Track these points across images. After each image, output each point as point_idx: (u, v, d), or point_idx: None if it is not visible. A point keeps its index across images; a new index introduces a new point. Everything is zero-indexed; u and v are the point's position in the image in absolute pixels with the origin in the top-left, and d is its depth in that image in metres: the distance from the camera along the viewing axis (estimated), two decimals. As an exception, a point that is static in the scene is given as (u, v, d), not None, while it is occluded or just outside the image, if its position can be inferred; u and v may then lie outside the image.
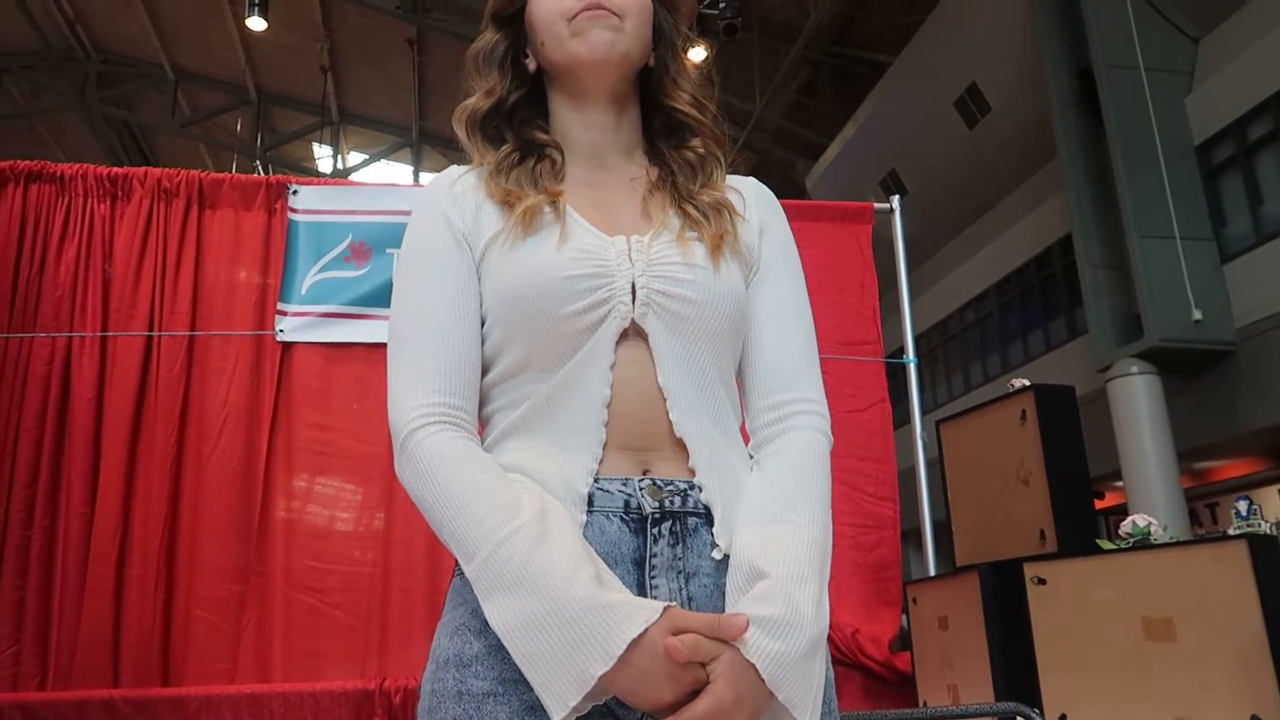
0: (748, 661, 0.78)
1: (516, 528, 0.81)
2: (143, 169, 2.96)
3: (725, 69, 11.41)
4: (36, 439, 2.66)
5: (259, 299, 2.91)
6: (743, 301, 0.98)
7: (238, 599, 2.67)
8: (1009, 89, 11.13)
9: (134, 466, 2.70)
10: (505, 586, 0.80)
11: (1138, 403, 8.78)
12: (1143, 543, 2.37)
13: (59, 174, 2.87)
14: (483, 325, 0.95)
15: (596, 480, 0.89)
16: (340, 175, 14.91)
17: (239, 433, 2.78)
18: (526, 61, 1.05)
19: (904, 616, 2.96)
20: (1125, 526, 2.42)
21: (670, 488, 0.90)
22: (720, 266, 0.95)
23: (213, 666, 2.61)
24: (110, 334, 2.78)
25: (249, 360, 2.85)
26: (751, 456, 0.96)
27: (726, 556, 0.89)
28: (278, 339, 2.86)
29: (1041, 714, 2.35)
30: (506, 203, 0.96)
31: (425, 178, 13.68)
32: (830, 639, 0.86)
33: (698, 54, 9.20)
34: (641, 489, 0.89)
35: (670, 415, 0.91)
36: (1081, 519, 2.62)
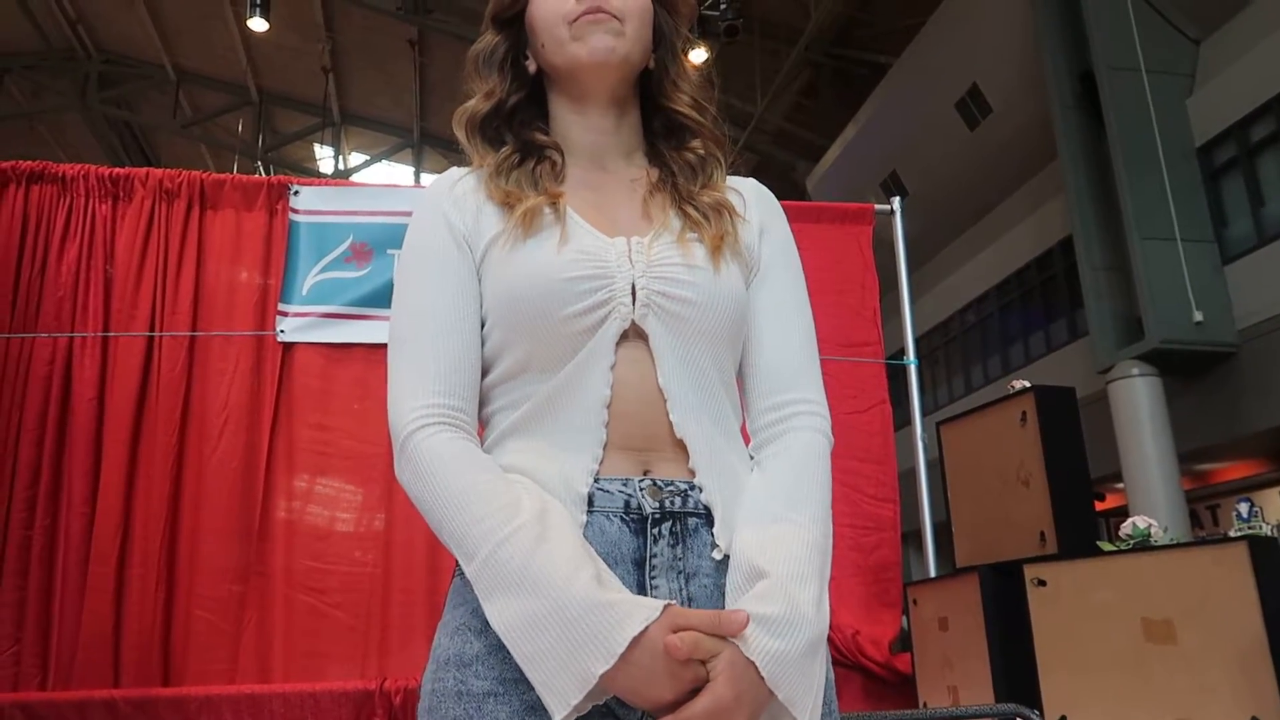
0: (748, 659, 0.78)
1: (517, 527, 0.81)
2: (144, 170, 2.96)
3: (726, 70, 11.42)
4: (37, 439, 2.66)
5: (260, 299, 2.92)
6: (743, 302, 0.98)
7: (238, 599, 2.67)
8: (1010, 91, 11.14)
9: (135, 467, 2.71)
10: (506, 586, 0.80)
11: (1138, 404, 8.78)
12: (1143, 544, 2.37)
13: (61, 174, 2.87)
14: (483, 327, 0.96)
15: (597, 480, 0.89)
16: (341, 176, 14.91)
17: (240, 433, 2.78)
18: (526, 63, 1.05)
19: (904, 618, 2.96)
20: (1125, 528, 2.42)
21: (670, 488, 0.90)
22: (720, 267, 0.96)
23: (213, 667, 2.61)
24: (111, 334, 2.78)
25: (250, 361, 2.85)
26: (752, 457, 0.97)
27: (726, 557, 0.89)
28: (278, 339, 2.86)
29: (1041, 715, 2.35)
30: (507, 204, 0.96)
31: (426, 179, 13.70)
32: (830, 640, 0.87)
33: (698, 55, 9.22)
34: (642, 489, 0.89)
35: (670, 416, 0.91)
36: (1082, 520, 2.62)
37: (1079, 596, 2.39)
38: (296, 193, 3.01)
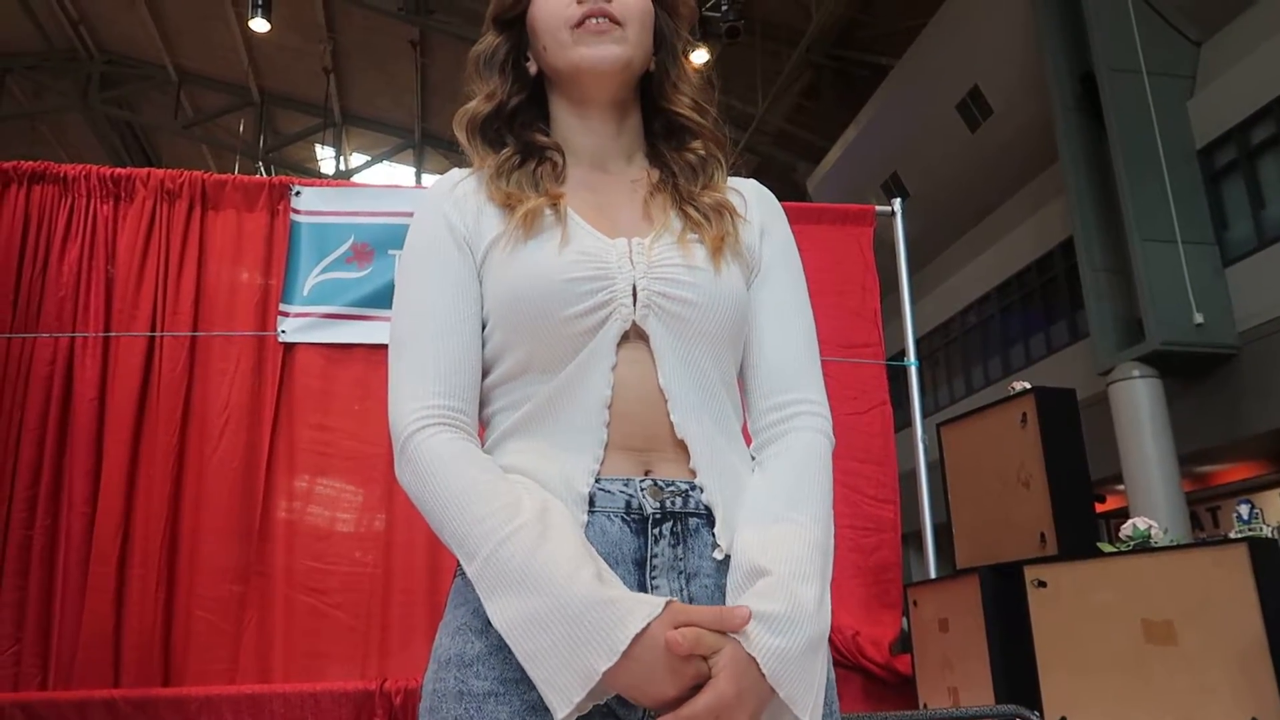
0: (749, 656, 0.78)
1: (518, 527, 0.82)
2: (145, 170, 2.96)
3: (727, 72, 11.43)
4: (38, 439, 2.66)
5: (261, 300, 2.92)
6: (744, 303, 0.98)
7: (239, 599, 2.68)
8: (1011, 92, 11.14)
9: (136, 467, 2.71)
10: (507, 585, 0.80)
11: (1139, 406, 8.78)
12: (1143, 545, 2.37)
13: (62, 174, 2.88)
14: (484, 328, 0.96)
15: (598, 480, 0.89)
16: (343, 177, 14.92)
17: (240, 433, 2.79)
18: (527, 65, 1.05)
19: (904, 619, 2.96)
20: (1126, 529, 2.42)
21: (671, 488, 0.90)
22: (721, 268, 0.96)
23: (213, 667, 2.61)
24: (113, 334, 2.78)
25: (251, 361, 2.86)
26: (753, 458, 0.97)
27: (727, 557, 0.89)
28: (279, 340, 2.87)
29: (1041, 716, 2.35)
30: (507, 205, 0.96)
31: (428, 179, 13.70)
32: (830, 641, 0.86)
33: (699, 57, 9.22)
34: (643, 489, 0.89)
35: (671, 416, 0.91)
36: (1082, 522, 2.62)
37: (1079, 598, 2.39)
38: (298, 193, 3.01)
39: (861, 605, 2.96)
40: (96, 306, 2.79)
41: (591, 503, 0.88)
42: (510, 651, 0.80)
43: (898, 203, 3.41)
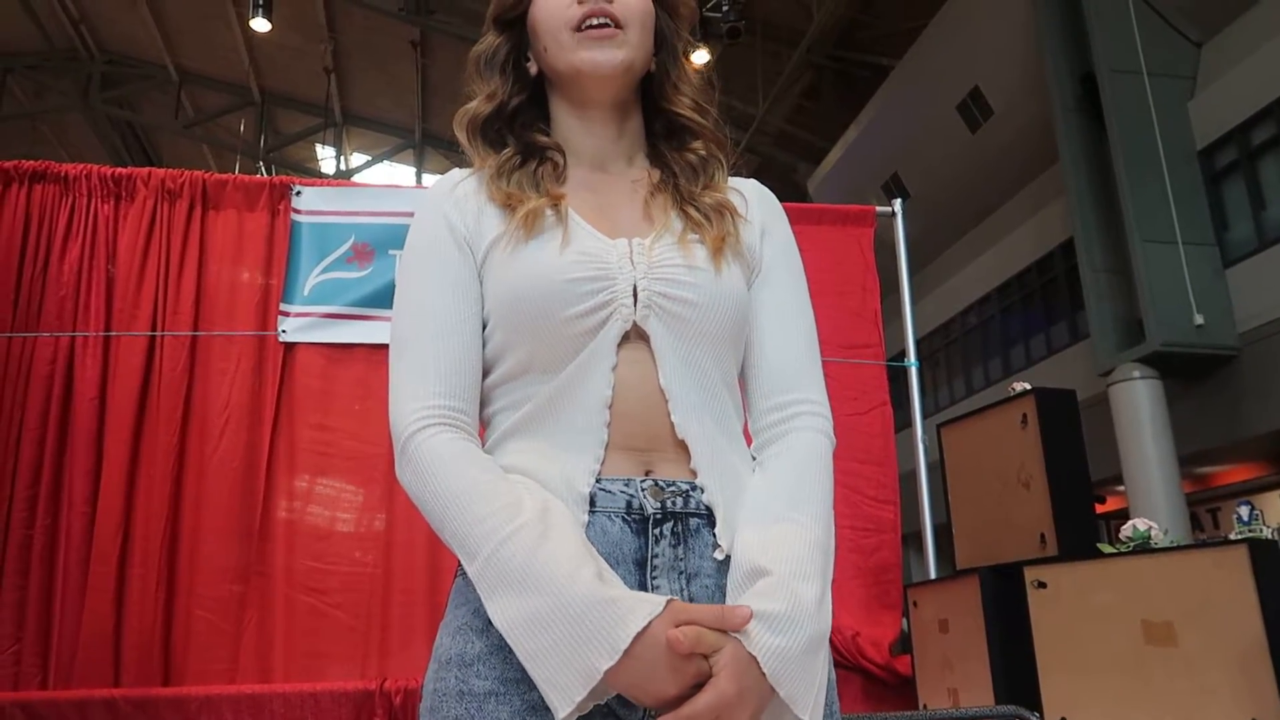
0: (750, 655, 0.78)
1: (518, 526, 0.82)
2: (146, 169, 2.97)
3: (728, 72, 11.42)
4: (39, 438, 2.66)
5: (261, 299, 2.92)
6: (744, 303, 0.98)
7: (239, 599, 2.68)
8: (1011, 93, 11.14)
9: (136, 466, 2.71)
10: (508, 585, 0.80)
11: (1139, 407, 8.77)
12: (1143, 547, 2.37)
13: (63, 174, 2.88)
14: (484, 328, 0.96)
15: (598, 481, 0.89)
16: (343, 177, 14.93)
17: (241, 433, 2.79)
18: (528, 65, 1.05)
19: (904, 619, 2.96)
20: (1125, 530, 2.42)
21: (672, 489, 0.90)
22: (722, 268, 0.96)
23: (213, 666, 2.61)
24: (113, 334, 2.79)
25: (251, 361, 2.86)
26: (754, 458, 0.97)
27: (728, 558, 0.89)
28: (280, 340, 2.87)
29: (1041, 717, 2.35)
30: (508, 206, 0.97)
31: (428, 179, 13.70)
32: (830, 642, 0.86)
33: (700, 57, 9.23)
34: (643, 490, 0.89)
35: (672, 417, 0.91)
36: (1082, 523, 2.62)
37: (1079, 598, 2.39)
38: (298, 193, 3.01)
39: (861, 606, 2.96)
40: (97, 306, 2.79)
41: (592, 503, 0.88)
42: (511, 651, 0.80)
43: (898, 203, 3.41)
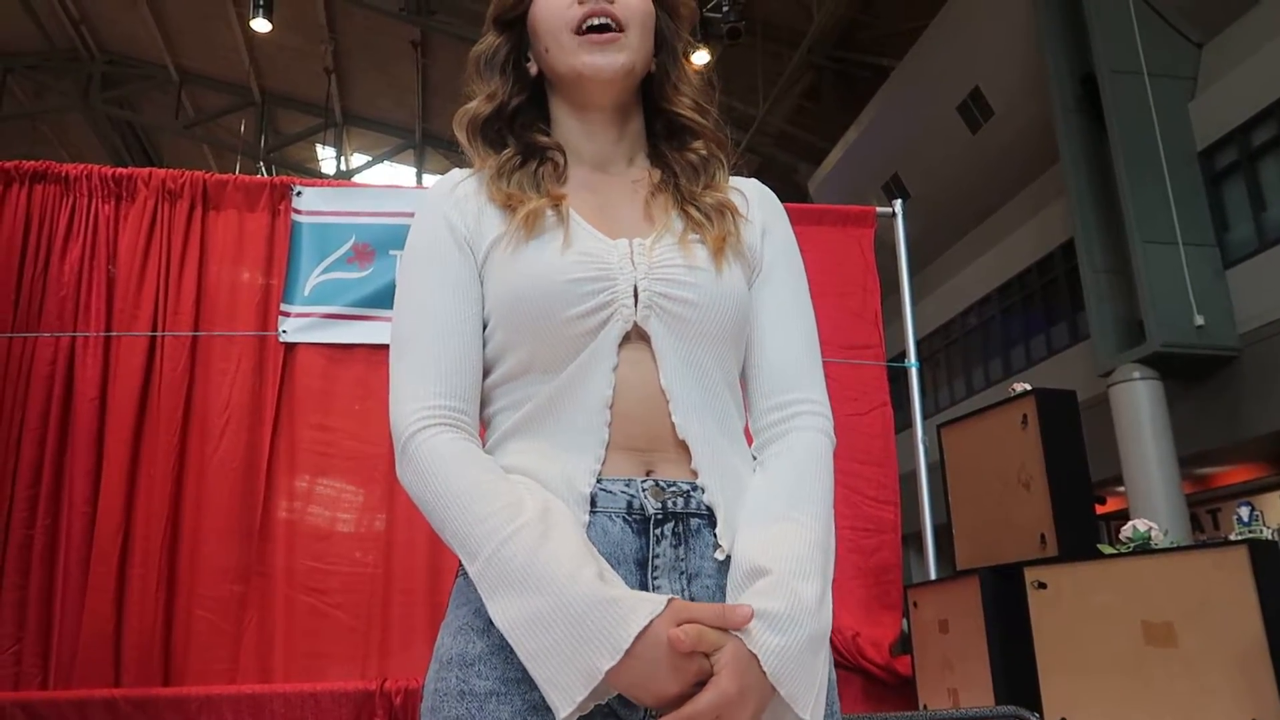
0: (751, 653, 0.78)
1: (519, 526, 0.82)
2: (147, 170, 2.97)
3: (728, 73, 11.42)
4: (39, 438, 2.66)
5: (262, 300, 2.92)
6: (745, 303, 0.98)
7: (239, 599, 2.68)
8: (1012, 94, 11.14)
9: (136, 466, 2.71)
10: (509, 585, 0.80)
11: (1139, 408, 8.77)
12: (1143, 547, 2.37)
13: (64, 174, 2.88)
14: (485, 328, 0.96)
15: (599, 481, 0.89)
16: (344, 177, 14.93)
17: (241, 433, 2.79)
18: (528, 65, 1.05)
19: (904, 620, 2.96)
20: (1126, 531, 2.42)
21: (673, 489, 0.90)
22: (722, 268, 0.96)
23: (214, 666, 2.61)
24: (114, 334, 2.79)
25: (252, 361, 2.86)
26: (754, 457, 0.97)
27: (729, 558, 0.89)
28: (280, 340, 2.87)
29: (1041, 717, 2.35)
30: (509, 206, 0.97)
31: (429, 180, 13.71)
32: (830, 642, 0.86)
33: (700, 58, 9.22)
34: (644, 490, 0.90)
35: (673, 417, 0.91)
36: (1082, 523, 2.62)
37: (1079, 599, 2.39)
38: (299, 193, 3.01)
39: (862, 606, 2.96)
40: (98, 306, 2.79)
41: (593, 503, 0.88)
42: (512, 651, 0.80)
43: (899, 204, 3.41)
